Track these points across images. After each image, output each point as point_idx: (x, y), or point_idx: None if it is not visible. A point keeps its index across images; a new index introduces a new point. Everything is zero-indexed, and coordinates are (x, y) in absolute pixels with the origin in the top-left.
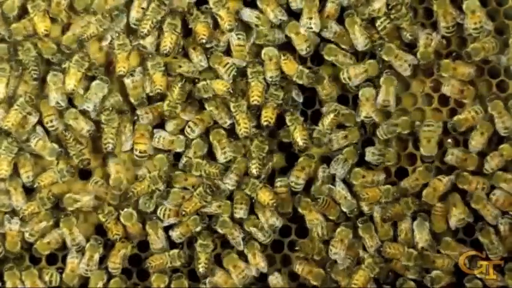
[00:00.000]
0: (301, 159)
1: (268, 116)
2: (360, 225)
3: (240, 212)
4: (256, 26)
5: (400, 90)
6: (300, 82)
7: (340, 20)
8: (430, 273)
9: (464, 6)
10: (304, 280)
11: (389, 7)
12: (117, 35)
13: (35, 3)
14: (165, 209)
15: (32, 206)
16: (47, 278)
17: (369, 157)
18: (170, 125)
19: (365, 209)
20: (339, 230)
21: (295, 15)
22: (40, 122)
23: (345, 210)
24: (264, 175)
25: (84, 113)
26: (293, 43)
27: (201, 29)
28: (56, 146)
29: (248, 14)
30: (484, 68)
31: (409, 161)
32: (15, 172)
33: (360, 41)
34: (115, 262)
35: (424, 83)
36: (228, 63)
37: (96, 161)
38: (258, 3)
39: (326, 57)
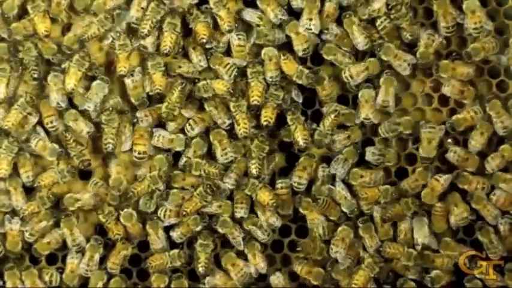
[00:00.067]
0: (302, 159)
1: (268, 116)
2: (360, 225)
3: (241, 212)
4: (258, 26)
5: (400, 90)
6: (300, 82)
7: (340, 21)
8: (430, 274)
9: (464, 6)
10: (304, 280)
11: (389, 7)
12: (118, 35)
13: (35, 4)
14: (165, 210)
15: (32, 205)
16: (47, 278)
17: (369, 157)
18: (171, 125)
19: (364, 208)
20: (340, 229)
21: (296, 14)
22: (40, 123)
23: (345, 210)
24: (266, 175)
25: (84, 113)
26: (292, 43)
27: (201, 28)
28: (56, 146)
29: (250, 14)
30: (484, 68)
31: (409, 161)
32: (15, 172)
33: (360, 40)
34: (114, 262)
35: (424, 83)
36: (228, 63)
37: (96, 161)
38: (258, 3)
39: (325, 57)
